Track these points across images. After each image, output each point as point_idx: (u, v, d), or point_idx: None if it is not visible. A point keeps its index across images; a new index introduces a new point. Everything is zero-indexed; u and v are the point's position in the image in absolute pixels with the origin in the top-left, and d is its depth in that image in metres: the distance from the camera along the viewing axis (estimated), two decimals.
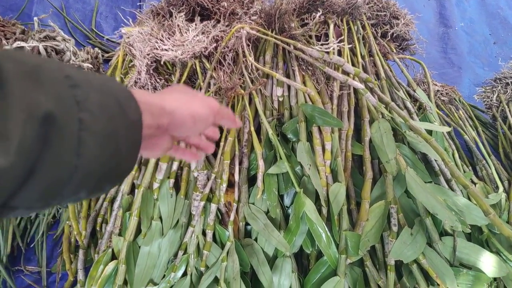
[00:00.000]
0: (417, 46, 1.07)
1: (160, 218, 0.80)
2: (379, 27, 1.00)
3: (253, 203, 0.81)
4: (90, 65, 0.90)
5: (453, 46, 1.53)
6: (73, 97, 0.30)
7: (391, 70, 0.95)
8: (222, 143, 0.79)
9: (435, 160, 0.88)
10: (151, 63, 0.76)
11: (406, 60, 1.06)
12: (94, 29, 1.43)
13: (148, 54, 0.74)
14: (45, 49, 0.86)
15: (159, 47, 0.72)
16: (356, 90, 0.81)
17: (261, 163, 0.76)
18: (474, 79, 1.40)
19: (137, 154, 0.37)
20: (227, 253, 0.74)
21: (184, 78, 0.77)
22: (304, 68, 0.80)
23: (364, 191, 0.79)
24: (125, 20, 0.91)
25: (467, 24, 1.62)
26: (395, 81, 0.92)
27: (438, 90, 1.08)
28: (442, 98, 1.07)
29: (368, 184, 0.78)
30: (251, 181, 0.84)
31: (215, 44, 0.75)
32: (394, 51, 0.99)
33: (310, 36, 0.83)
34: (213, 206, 0.77)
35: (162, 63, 0.78)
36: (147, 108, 0.39)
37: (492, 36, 1.59)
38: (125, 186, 0.84)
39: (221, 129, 0.83)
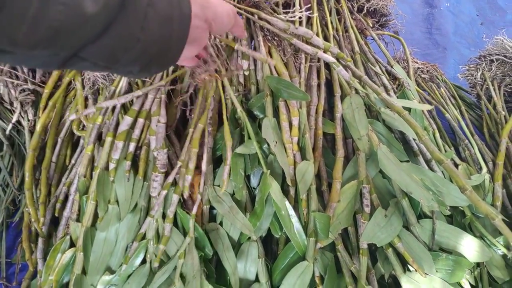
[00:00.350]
0: (396, 22, 1.02)
1: (117, 201, 0.74)
2: (354, 0, 0.95)
3: (218, 185, 0.76)
4: None
5: (438, 26, 1.47)
6: None
7: (368, 46, 0.90)
8: (191, 129, 0.73)
9: (414, 140, 0.83)
10: None
11: (386, 37, 1.01)
12: None
13: None
14: None
15: None
16: (327, 64, 0.76)
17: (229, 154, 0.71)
18: (459, 59, 1.35)
19: (184, 43, 0.43)
20: (185, 249, 0.69)
21: None
22: (270, 38, 0.75)
23: (335, 171, 0.74)
24: None
25: (453, 5, 1.57)
26: (371, 57, 0.86)
27: (418, 68, 1.03)
28: (423, 75, 1.02)
29: (340, 163, 0.73)
30: (216, 162, 0.79)
31: None
32: (372, 26, 0.94)
33: (277, 4, 0.78)
34: (175, 197, 0.71)
35: None
36: (197, 1, 0.45)
37: (479, 17, 1.54)
38: (81, 168, 0.78)
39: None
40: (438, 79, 1.03)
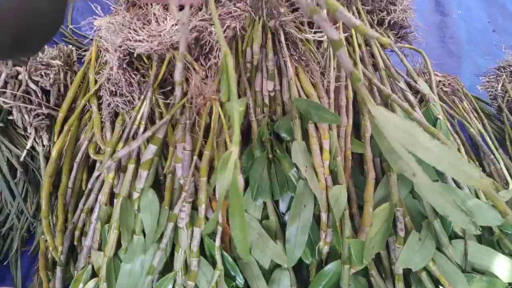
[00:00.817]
0: (416, 34, 1.00)
1: (143, 232, 0.71)
2: (375, 14, 0.92)
3: (246, 210, 0.73)
4: (60, 63, 0.81)
5: (451, 35, 1.46)
6: None
7: (389, 60, 0.88)
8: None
9: None
10: (124, 56, 0.68)
11: (405, 50, 0.99)
12: (70, 26, 1.35)
13: (120, 47, 0.66)
14: None
15: (132, 38, 0.64)
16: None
17: None
18: (474, 68, 1.33)
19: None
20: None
21: (162, 72, 0.69)
22: (297, 58, 0.72)
23: (367, 193, 0.71)
24: (101, 13, 0.83)
25: (465, 12, 1.55)
26: (394, 72, 0.84)
27: (439, 81, 1.02)
28: (445, 89, 1.00)
29: (371, 186, 0.71)
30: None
31: (196, 34, 0.67)
32: (392, 39, 0.92)
33: (302, 23, 0.75)
34: (196, 231, 0.69)
35: (136, 56, 0.70)
36: None
37: (490, 24, 1.53)
38: (102, 196, 0.76)
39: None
40: (460, 92, 1.01)
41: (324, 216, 0.68)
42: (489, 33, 1.49)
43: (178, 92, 0.67)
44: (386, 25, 0.94)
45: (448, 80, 1.02)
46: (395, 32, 0.98)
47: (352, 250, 0.67)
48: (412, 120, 0.71)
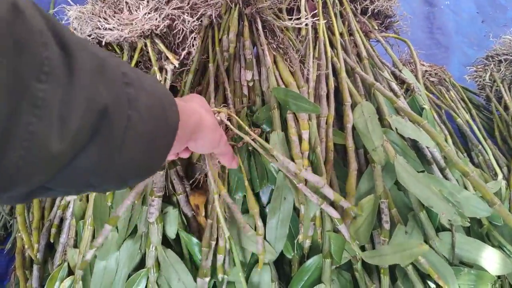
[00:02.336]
0: (401, 23, 0.98)
1: (117, 228, 0.69)
2: (358, 2, 0.90)
3: None
4: None
5: (439, 26, 1.44)
6: (126, 94, 0.31)
7: (373, 50, 0.86)
8: None
9: (427, 147, 0.79)
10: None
11: (390, 39, 0.97)
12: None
13: (89, 35, 0.63)
14: None
15: (101, 26, 0.61)
16: (335, 71, 0.71)
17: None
18: (463, 59, 1.31)
19: (165, 157, 0.39)
20: None
21: (134, 61, 0.66)
22: (275, 47, 0.70)
23: (349, 185, 0.69)
24: (74, 4, 0.80)
25: (453, 3, 1.53)
26: (378, 61, 0.82)
27: (426, 71, 0.99)
28: (431, 79, 0.98)
29: (353, 177, 0.69)
30: None
31: (168, 21, 0.64)
32: (377, 28, 0.90)
33: (280, 10, 0.73)
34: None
35: (105, 44, 0.67)
36: (185, 119, 0.41)
37: (479, 15, 1.51)
38: None
39: None
40: (447, 82, 0.99)
41: (303, 208, 0.65)
42: (478, 24, 1.48)
43: None
44: (370, 13, 0.91)
45: (434, 70, 1.00)
46: (379, 21, 0.96)
47: (332, 246, 0.64)
48: (396, 108, 0.69)
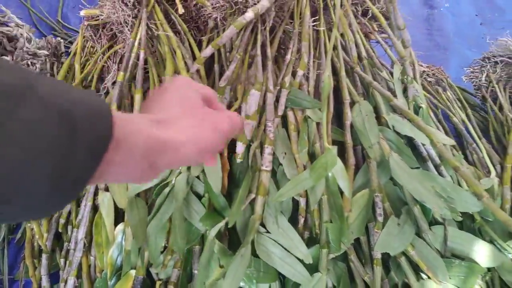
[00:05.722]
0: None
1: None
2: (359, 4, 0.93)
3: None
4: (46, 52, 0.82)
5: (438, 27, 1.47)
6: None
7: (373, 51, 0.89)
8: None
9: (423, 145, 0.82)
10: None
11: (389, 41, 1.00)
12: (60, 20, 1.35)
13: None
14: None
15: None
16: (335, 71, 0.75)
17: None
18: (461, 61, 1.34)
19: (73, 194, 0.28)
20: None
21: None
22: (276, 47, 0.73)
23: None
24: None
25: (452, 5, 1.56)
26: (377, 61, 0.85)
27: (424, 71, 1.02)
28: (429, 79, 1.01)
29: (350, 171, 0.72)
30: None
31: None
32: (377, 30, 0.93)
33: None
34: None
35: None
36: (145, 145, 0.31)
37: (478, 17, 1.54)
38: None
39: None
40: (444, 82, 1.02)
41: (302, 201, 0.69)
42: (477, 26, 1.50)
43: None
44: (370, 15, 0.94)
45: (432, 70, 1.03)
46: (379, 23, 0.99)
47: (330, 235, 0.67)
48: (392, 106, 0.72)
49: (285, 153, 0.69)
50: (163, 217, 0.67)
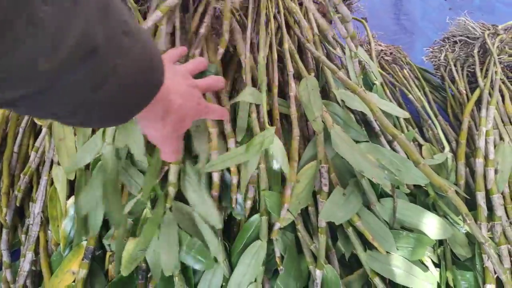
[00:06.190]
0: (359, 5, 1.02)
1: None
2: None
3: None
4: None
5: (406, 12, 1.48)
6: (120, 42, 0.32)
7: (330, 29, 0.90)
8: None
9: (375, 120, 0.83)
10: None
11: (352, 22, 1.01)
12: None
13: None
14: None
15: None
16: (281, 42, 0.76)
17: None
18: (427, 44, 1.35)
19: (133, 115, 0.41)
20: None
21: None
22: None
23: (292, 151, 0.73)
24: None
25: None
26: (332, 39, 0.86)
27: (382, 50, 1.04)
28: (386, 58, 1.02)
29: (295, 142, 0.73)
30: None
31: None
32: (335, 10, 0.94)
33: None
34: None
35: None
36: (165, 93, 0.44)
37: (447, 2, 1.55)
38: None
39: None
40: (402, 61, 1.03)
41: (234, 178, 0.70)
42: (445, 11, 1.51)
43: None
44: None
45: (390, 49, 1.04)
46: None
47: (267, 202, 0.68)
48: (338, 78, 0.74)
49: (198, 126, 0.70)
50: (96, 191, 0.69)
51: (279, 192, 0.71)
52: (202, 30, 0.72)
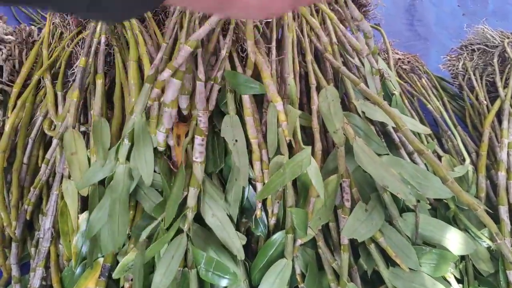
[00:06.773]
0: (376, 12, 1.00)
1: None
2: None
3: None
4: (13, 38, 0.81)
5: (419, 18, 1.46)
6: None
7: (346, 38, 0.88)
8: None
9: (395, 132, 0.81)
10: None
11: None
12: (39, 11, 1.35)
13: None
14: None
15: None
16: (304, 55, 0.74)
17: None
18: (442, 50, 1.33)
19: None
20: None
21: None
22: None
23: None
24: None
25: None
26: (349, 48, 0.84)
27: (399, 59, 1.02)
28: (404, 66, 1.00)
29: (317, 156, 0.71)
30: None
31: None
32: (351, 17, 0.92)
33: None
34: None
35: None
36: None
37: (460, 8, 1.53)
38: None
39: None
40: (420, 70, 1.01)
41: (259, 186, 0.68)
42: (459, 17, 1.50)
43: None
44: (343, 2, 0.93)
45: (407, 58, 1.02)
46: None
47: (295, 219, 0.66)
48: (359, 90, 0.71)
49: (236, 140, 0.68)
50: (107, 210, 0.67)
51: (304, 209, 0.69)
52: (223, 52, 0.70)
